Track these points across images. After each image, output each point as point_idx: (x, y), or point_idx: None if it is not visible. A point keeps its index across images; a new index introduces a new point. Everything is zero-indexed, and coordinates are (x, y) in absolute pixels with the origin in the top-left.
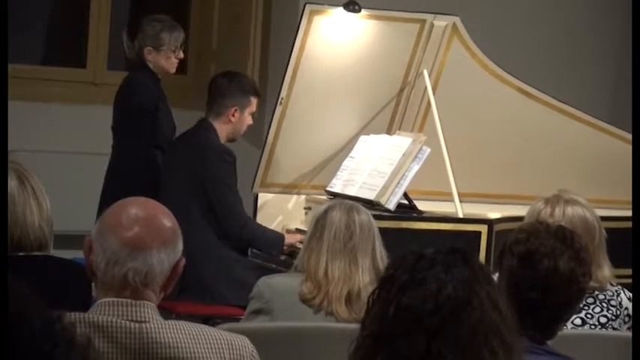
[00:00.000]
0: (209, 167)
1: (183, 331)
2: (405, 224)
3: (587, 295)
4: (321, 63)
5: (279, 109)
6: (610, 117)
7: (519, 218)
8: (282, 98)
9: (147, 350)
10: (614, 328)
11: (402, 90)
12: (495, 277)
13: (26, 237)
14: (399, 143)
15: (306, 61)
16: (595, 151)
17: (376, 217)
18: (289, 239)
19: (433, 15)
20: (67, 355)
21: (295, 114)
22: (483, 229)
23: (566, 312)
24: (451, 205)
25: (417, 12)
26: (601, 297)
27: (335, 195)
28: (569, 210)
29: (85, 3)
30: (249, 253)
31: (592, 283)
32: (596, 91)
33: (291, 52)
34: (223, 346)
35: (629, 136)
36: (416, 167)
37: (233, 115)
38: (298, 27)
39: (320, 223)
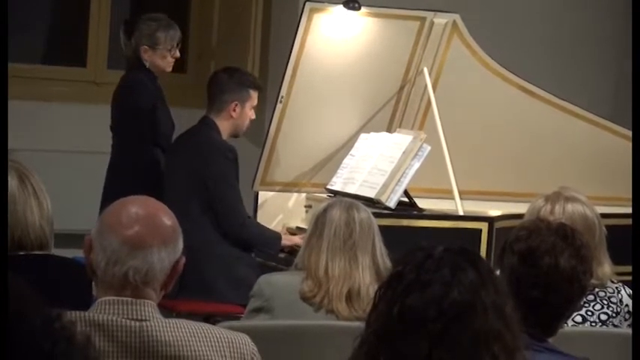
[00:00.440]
0: (211, 164)
1: (183, 330)
2: (405, 222)
3: (587, 293)
4: (321, 61)
5: (279, 107)
6: (611, 115)
7: (520, 216)
8: (282, 96)
9: (147, 349)
10: (614, 325)
11: (402, 88)
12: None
13: (27, 236)
14: (399, 141)
15: (306, 59)
16: (595, 149)
17: (377, 214)
18: (288, 241)
19: (433, 12)
20: (67, 354)
21: (295, 112)
22: (484, 226)
23: (567, 309)
24: (452, 203)
25: (417, 9)
26: (601, 294)
27: (335, 193)
28: (570, 207)
29: (85, 2)
30: (254, 250)
31: (592, 280)
32: (598, 88)
33: (291, 50)
34: (224, 344)
35: (630, 134)
36: (416, 165)
37: (234, 111)
38: (298, 25)
39: (320, 221)
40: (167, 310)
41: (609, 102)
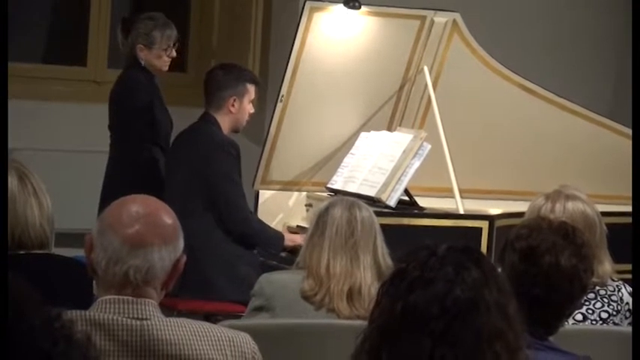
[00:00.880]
0: (213, 160)
1: (184, 329)
2: (406, 221)
3: (588, 291)
4: (322, 60)
5: (279, 106)
6: (611, 113)
7: (520, 214)
8: (282, 95)
9: (148, 347)
10: (615, 324)
11: (402, 86)
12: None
13: (27, 235)
14: (399, 140)
15: (307, 58)
16: (596, 147)
17: (377, 213)
18: (290, 241)
19: (433, 11)
20: (66, 353)
21: (296, 111)
22: (484, 225)
23: (567, 308)
24: (452, 202)
25: (417, 8)
26: (602, 292)
27: (336, 192)
28: (570, 205)
29: (85, 1)
30: (256, 249)
31: (593, 279)
32: (597, 86)
33: (292, 49)
34: (225, 343)
35: (630, 132)
36: (417, 163)
37: (233, 106)
38: (298, 24)
39: (321, 220)
40: (168, 308)
41: (609, 100)
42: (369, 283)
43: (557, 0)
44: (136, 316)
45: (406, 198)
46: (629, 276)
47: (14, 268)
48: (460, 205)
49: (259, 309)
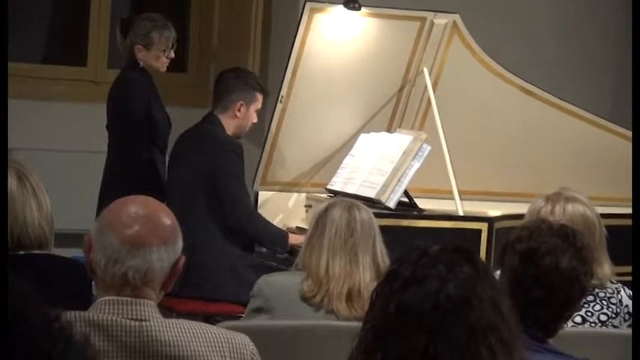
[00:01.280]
0: (216, 159)
1: (183, 330)
2: (405, 222)
3: (587, 293)
4: (322, 61)
5: (279, 107)
6: (611, 114)
7: (520, 216)
8: (282, 96)
9: (147, 349)
10: (614, 326)
11: (402, 88)
12: (497, 275)
13: (26, 235)
14: (399, 141)
15: (307, 59)
16: (596, 149)
17: (377, 215)
18: (294, 240)
19: (433, 13)
20: (65, 354)
21: (295, 112)
22: (484, 226)
23: (567, 310)
24: (451, 203)
25: (417, 10)
26: (601, 295)
27: (335, 193)
28: (570, 207)
29: (85, 1)
30: (254, 250)
31: (592, 281)
32: (598, 88)
33: (292, 50)
34: (224, 344)
35: (630, 133)
36: (416, 165)
37: (239, 110)
38: (298, 25)
39: (321, 221)
40: (167, 309)
41: (609, 102)
42: (368, 284)
43: (557, 1)
44: (134, 317)
45: (406, 199)
46: (629, 278)
47: (14, 269)
48: (459, 207)
49: (258, 310)
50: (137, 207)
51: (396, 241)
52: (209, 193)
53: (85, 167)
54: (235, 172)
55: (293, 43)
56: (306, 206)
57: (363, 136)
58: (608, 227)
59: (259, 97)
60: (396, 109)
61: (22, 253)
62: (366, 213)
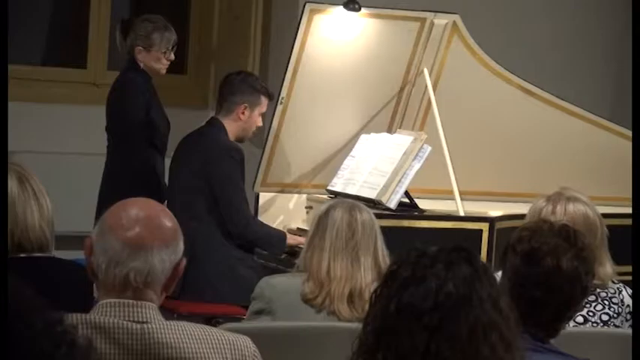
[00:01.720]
0: (216, 164)
1: (184, 332)
2: (406, 223)
3: (589, 293)
4: (322, 62)
5: (279, 108)
6: (612, 114)
7: (521, 216)
8: (282, 97)
9: (149, 351)
10: (616, 326)
11: (402, 88)
12: (498, 275)
13: (27, 238)
14: (399, 142)
15: (307, 60)
16: (596, 149)
17: (377, 215)
18: (292, 241)
19: (433, 13)
20: (69, 357)
21: (296, 113)
22: (484, 227)
23: (569, 310)
24: (452, 204)
25: (417, 10)
26: (603, 295)
27: (336, 194)
28: (571, 207)
29: (85, 3)
30: (255, 252)
31: (594, 281)
32: (598, 88)
33: (292, 51)
34: (225, 346)
35: (630, 133)
36: (417, 166)
37: (243, 113)
38: (298, 26)
39: (322, 223)
40: (168, 311)
41: (610, 102)
42: (369, 285)
43: (557, 2)
44: (136, 319)
45: (406, 200)
46: (629, 278)
47: (15, 272)
48: (460, 207)
49: (260, 312)
50: (138, 209)
51: (396, 242)
52: (209, 197)
53: (86, 169)
54: (234, 178)
55: (293, 44)
56: (306, 207)
57: (363, 137)
58: (609, 227)
59: (264, 100)
60: (397, 109)
61: (22, 255)
62: (367, 214)
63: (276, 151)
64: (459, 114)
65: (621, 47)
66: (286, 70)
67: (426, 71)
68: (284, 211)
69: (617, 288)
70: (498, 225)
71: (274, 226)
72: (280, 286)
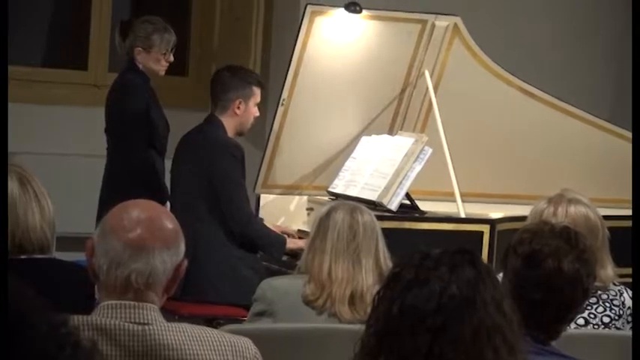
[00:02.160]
0: (216, 162)
1: (186, 333)
2: (407, 224)
3: (590, 295)
4: (323, 64)
5: (280, 110)
6: (611, 115)
7: (522, 218)
8: (283, 99)
9: (150, 352)
10: (617, 328)
11: (403, 90)
12: (499, 277)
13: (28, 239)
14: (400, 143)
15: (308, 61)
16: (596, 150)
17: (378, 217)
18: (292, 245)
19: (434, 15)
20: (73, 359)
21: (297, 115)
22: (485, 228)
23: (570, 312)
24: (453, 205)
25: (418, 12)
26: (604, 297)
27: (337, 196)
28: (572, 209)
29: (86, 5)
30: (257, 252)
31: (595, 283)
32: (598, 89)
33: (293, 53)
34: (226, 348)
35: (630, 135)
36: (418, 167)
37: (238, 108)
38: (299, 28)
39: (323, 224)
40: (169, 313)
41: (610, 103)
42: (371, 287)
43: (558, 3)
44: (137, 320)
45: (407, 202)
46: (629, 280)
47: (16, 273)
48: (461, 209)
49: (261, 314)
50: (139, 210)
51: (397, 244)
52: (210, 196)
53: (87, 171)
54: (235, 175)
55: (294, 46)
56: (307, 209)
57: (364, 139)
58: (609, 229)
59: (257, 90)
60: (398, 111)
61: (23, 257)
62: (368, 216)
63: (277, 153)
64: (460, 116)
65: (621, 48)
66: (287, 71)
67: (427, 73)
68: (285, 213)
69: (619, 290)
70: (499, 227)
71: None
72: (281, 288)
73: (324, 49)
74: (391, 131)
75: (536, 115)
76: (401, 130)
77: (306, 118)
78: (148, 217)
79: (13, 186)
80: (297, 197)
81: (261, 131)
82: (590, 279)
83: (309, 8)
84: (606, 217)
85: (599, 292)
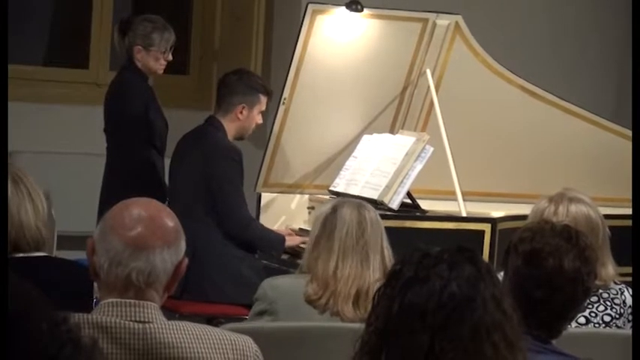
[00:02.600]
0: (215, 165)
1: (186, 332)
2: (408, 223)
3: (591, 294)
4: (324, 63)
5: (281, 109)
6: (614, 115)
7: (523, 217)
8: (284, 98)
9: (151, 351)
10: (618, 327)
11: (404, 89)
12: (500, 276)
13: (22, 237)
14: (402, 142)
15: (309, 60)
16: (598, 150)
17: (380, 216)
18: (291, 242)
19: (435, 14)
20: (73, 357)
21: (298, 114)
22: (487, 227)
23: (571, 311)
24: (454, 204)
25: (420, 11)
26: (605, 295)
27: (338, 195)
28: (573, 208)
29: (87, 3)
30: (256, 251)
31: (596, 282)
32: (600, 89)
33: (294, 51)
34: (227, 346)
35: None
36: (419, 166)
37: (241, 113)
38: (300, 26)
39: (329, 221)
40: (170, 311)
41: (612, 102)
42: (376, 284)
43: (559, 2)
44: (138, 319)
45: (408, 201)
46: (629, 279)
47: (16, 271)
48: (462, 208)
49: (262, 313)
50: (139, 209)
51: (399, 243)
52: (209, 197)
53: (88, 170)
54: (233, 179)
55: (295, 45)
56: (308, 208)
57: (365, 138)
58: (611, 228)
59: (263, 98)
60: (399, 110)
61: (21, 255)
62: (373, 212)
63: (278, 152)
64: (461, 114)
65: (622, 47)
66: (288, 70)
67: (428, 72)
68: (286, 212)
69: (620, 289)
70: (500, 226)
71: (276, 227)
72: (283, 287)
73: (325, 48)
74: (392, 130)
75: (537, 114)
76: (402, 129)
77: (307, 117)
78: (149, 215)
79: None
80: (298, 196)
81: (262, 130)
82: (591, 278)
83: (311, 7)
84: (607, 216)
85: (600, 290)
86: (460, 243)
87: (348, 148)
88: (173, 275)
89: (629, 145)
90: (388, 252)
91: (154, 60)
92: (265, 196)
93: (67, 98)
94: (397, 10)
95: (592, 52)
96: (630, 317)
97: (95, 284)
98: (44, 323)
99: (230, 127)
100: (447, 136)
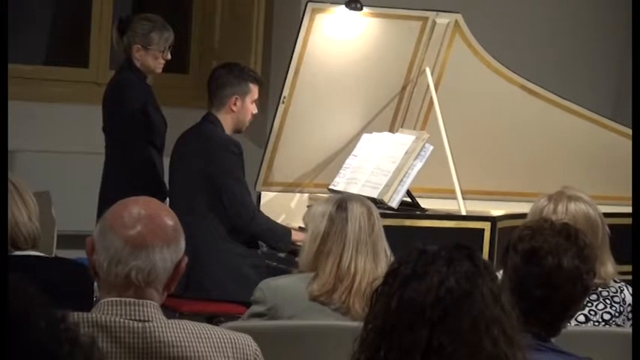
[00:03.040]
0: (216, 160)
1: (186, 330)
2: (408, 222)
3: (590, 292)
4: (323, 61)
5: (281, 107)
6: (613, 113)
7: (522, 215)
8: (284, 97)
9: (150, 349)
10: (617, 325)
11: (404, 87)
12: (499, 274)
13: (18, 234)
14: (401, 141)
15: (309, 59)
16: (598, 148)
17: (380, 215)
18: (297, 237)
19: (435, 12)
20: (72, 355)
21: (297, 112)
22: (486, 226)
23: (570, 309)
24: (454, 203)
25: (419, 9)
26: (604, 294)
27: (338, 193)
28: (573, 207)
29: (87, 3)
30: (260, 249)
31: (595, 280)
32: (599, 87)
33: (294, 50)
34: (227, 344)
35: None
36: (419, 165)
37: (234, 105)
38: (300, 25)
39: (339, 217)
40: (170, 310)
41: (612, 101)
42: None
43: (557, 1)
44: (137, 318)
45: (408, 199)
46: (629, 277)
47: (15, 270)
48: (462, 207)
49: (259, 316)
50: (139, 208)
51: (398, 241)
52: (210, 194)
53: (88, 168)
54: (235, 172)
55: (295, 44)
56: (308, 207)
57: (365, 136)
58: (611, 226)
59: (253, 87)
60: (399, 108)
61: (21, 254)
62: (375, 209)
63: (278, 151)
64: (461, 113)
65: (622, 45)
66: (288, 69)
67: (428, 70)
68: (286, 211)
69: (619, 287)
70: (500, 224)
71: None
72: (283, 292)
73: (325, 47)
74: (392, 129)
75: (537, 112)
76: (402, 127)
77: (306, 116)
78: (148, 214)
79: None
80: (297, 195)
81: (262, 129)
82: (590, 276)
83: (310, 5)
84: (607, 215)
85: (600, 289)
86: (460, 241)
87: (347, 147)
88: (173, 274)
89: (628, 143)
90: (389, 249)
91: (153, 59)
92: (265, 195)
93: (67, 97)
94: (397, 9)
95: (591, 51)
96: (630, 315)
97: (95, 283)
98: (43, 321)
99: (226, 120)
100: (447, 134)
